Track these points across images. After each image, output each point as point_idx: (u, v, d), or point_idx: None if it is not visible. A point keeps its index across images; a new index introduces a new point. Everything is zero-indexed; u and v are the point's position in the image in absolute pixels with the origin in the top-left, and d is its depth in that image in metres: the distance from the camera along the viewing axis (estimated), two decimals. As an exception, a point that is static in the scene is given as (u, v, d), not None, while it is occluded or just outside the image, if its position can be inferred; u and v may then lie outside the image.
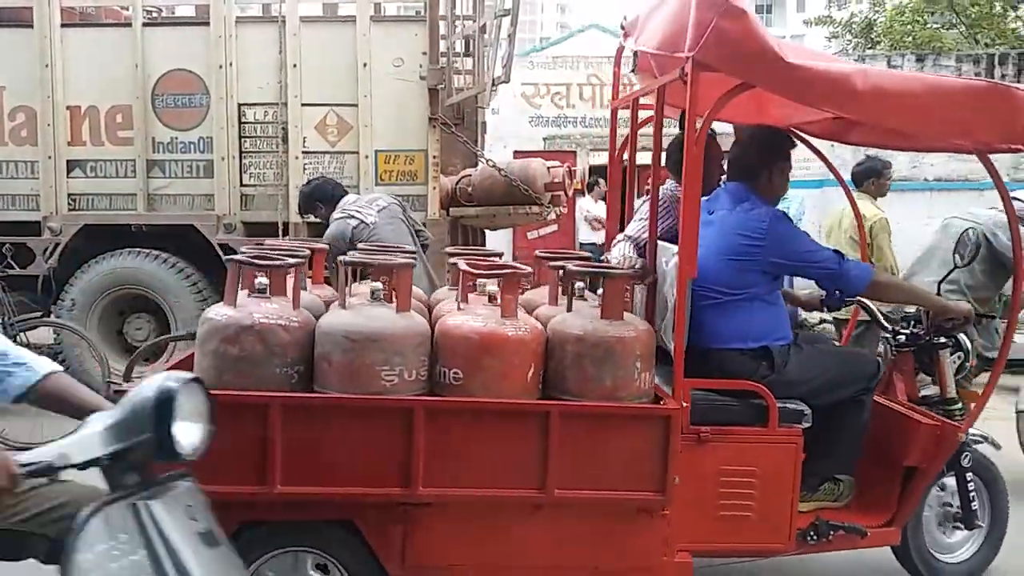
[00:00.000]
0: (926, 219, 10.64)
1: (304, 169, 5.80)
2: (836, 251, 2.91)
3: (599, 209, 11.02)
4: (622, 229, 3.52)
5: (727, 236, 2.86)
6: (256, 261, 2.64)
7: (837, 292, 2.91)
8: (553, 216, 6.64)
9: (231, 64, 5.80)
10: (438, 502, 2.56)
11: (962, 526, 3.38)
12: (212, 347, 2.49)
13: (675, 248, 2.81)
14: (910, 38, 13.30)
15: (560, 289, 2.93)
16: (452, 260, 3.10)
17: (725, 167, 3.33)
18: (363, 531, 2.58)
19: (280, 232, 5.70)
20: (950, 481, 3.34)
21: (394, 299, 2.60)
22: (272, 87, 5.81)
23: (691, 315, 2.69)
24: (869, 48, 14.03)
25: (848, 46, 14.30)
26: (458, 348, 2.53)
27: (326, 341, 2.51)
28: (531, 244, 12.55)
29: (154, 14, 6.47)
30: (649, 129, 3.37)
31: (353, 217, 4.21)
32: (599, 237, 10.97)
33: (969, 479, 3.29)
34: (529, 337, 2.56)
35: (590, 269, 2.78)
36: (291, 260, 2.73)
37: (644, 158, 3.50)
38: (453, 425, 2.52)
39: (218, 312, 2.53)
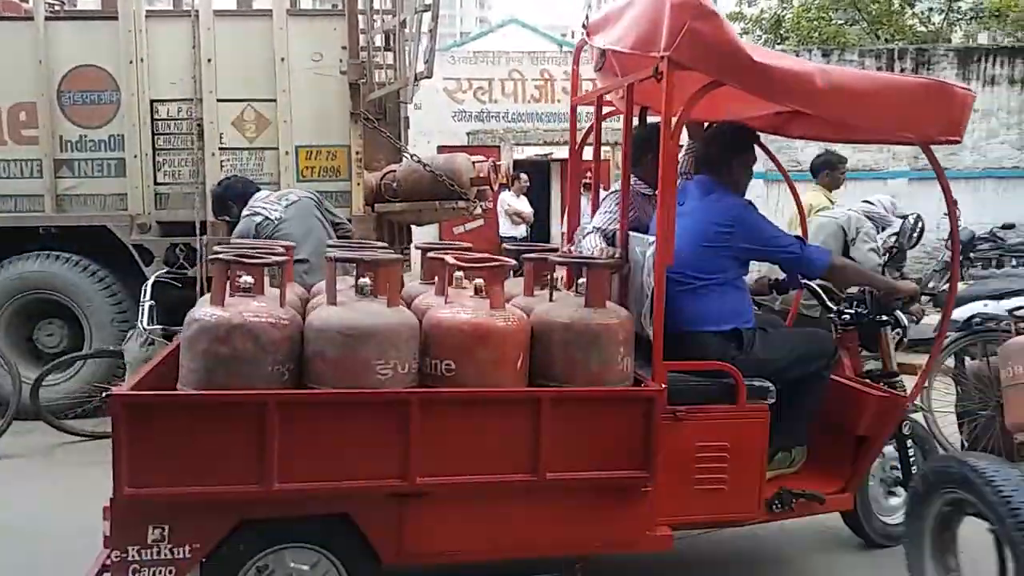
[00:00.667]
0: (836, 206, 11.27)
1: (222, 166, 5.68)
2: (798, 237, 3.12)
3: (520, 204, 11.12)
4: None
5: (700, 225, 3.02)
6: (243, 260, 2.63)
7: (799, 275, 3.11)
8: (479, 211, 6.71)
9: (142, 60, 5.63)
10: (434, 491, 2.62)
11: (902, 490, 3.67)
12: (202, 347, 2.47)
13: (648, 238, 2.95)
14: (816, 34, 14.01)
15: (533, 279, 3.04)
16: (430, 255, 3.15)
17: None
18: (359, 523, 2.62)
19: (197, 231, 5.59)
20: (888, 449, 3.62)
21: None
22: (186, 82, 5.66)
23: (665, 300, 2.82)
24: (778, 43, 14.68)
25: (758, 41, 14.91)
26: (450, 340, 2.60)
27: (319, 337, 2.53)
28: (457, 239, 12.60)
29: (56, 7, 6.20)
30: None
31: (257, 214, 4.17)
32: (519, 231, 11.07)
33: (909, 445, 3.58)
34: (518, 327, 2.65)
35: (574, 260, 2.89)
36: (276, 258, 2.74)
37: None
38: (448, 415, 2.58)
39: (206, 312, 2.51)
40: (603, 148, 3.66)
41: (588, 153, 3.86)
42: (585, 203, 5.27)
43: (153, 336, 4.79)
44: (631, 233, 3.18)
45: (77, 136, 5.75)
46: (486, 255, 2.87)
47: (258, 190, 4.43)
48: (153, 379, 2.67)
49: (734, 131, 3.30)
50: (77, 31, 5.78)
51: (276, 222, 4.12)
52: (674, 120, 2.74)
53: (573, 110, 3.79)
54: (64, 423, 5.31)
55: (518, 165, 13.07)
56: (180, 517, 2.47)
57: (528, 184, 11.28)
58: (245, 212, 4.24)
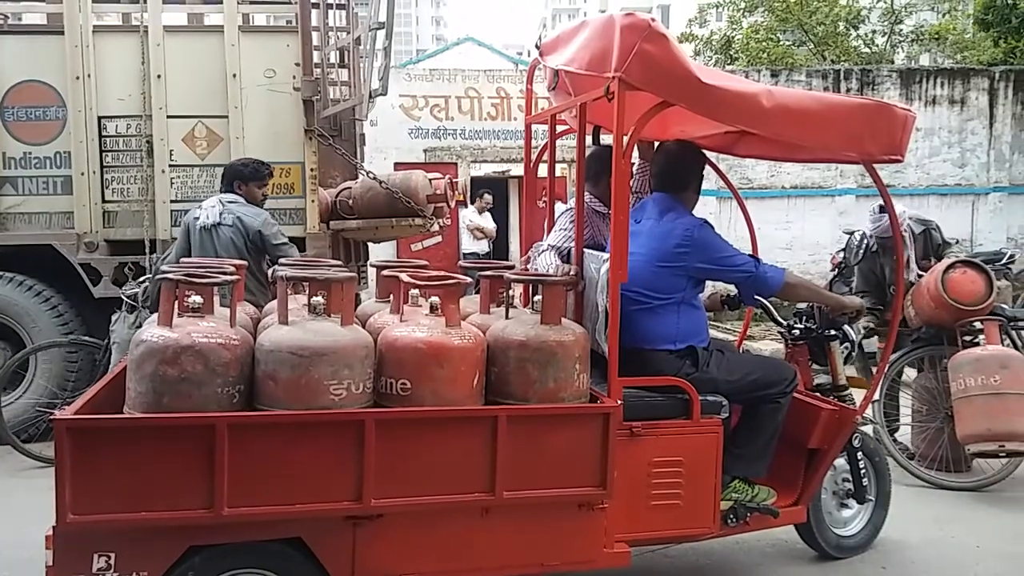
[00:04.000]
0: (785, 223, 11.53)
1: (172, 183, 5.62)
2: (752, 255, 3.17)
3: (482, 219, 11.14)
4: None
5: (658, 243, 3.05)
6: (192, 279, 2.58)
7: (754, 293, 3.16)
8: (436, 228, 6.71)
9: (89, 75, 5.53)
10: (388, 512, 2.59)
11: (854, 502, 3.73)
12: (149, 369, 2.41)
13: (603, 255, 2.97)
14: (765, 54, 14.36)
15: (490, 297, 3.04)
16: (385, 273, 3.14)
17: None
18: (312, 547, 2.57)
19: (147, 250, 5.50)
20: (840, 462, 3.68)
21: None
22: (135, 98, 5.58)
23: (621, 318, 2.84)
24: (728, 64, 15.00)
25: (708, 62, 15.23)
26: (405, 359, 2.58)
27: (271, 358, 2.49)
28: (414, 256, 12.55)
29: (0, 21, 6.07)
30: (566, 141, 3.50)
31: (198, 213, 4.62)
32: (481, 247, 11.08)
33: (859, 458, 3.65)
34: (473, 345, 2.65)
35: (530, 277, 2.90)
36: (226, 277, 2.70)
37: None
38: (403, 435, 2.56)
39: (154, 333, 2.46)
40: (559, 165, 3.69)
41: (544, 170, 3.90)
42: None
43: (141, 318, 4.76)
44: (586, 251, 3.20)
45: (21, 153, 5.62)
46: (442, 273, 2.86)
47: (239, 187, 4.70)
48: (99, 401, 2.60)
49: (695, 151, 3.35)
50: (21, 46, 5.66)
51: (198, 231, 4.57)
52: (626, 139, 2.77)
53: (528, 128, 3.82)
54: (17, 445, 5.15)
55: (475, 182, 13.09)
56: (126, 544, 2.41)
57: (491, 204, 11.31)
58: (201, 204, 4.68)
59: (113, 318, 4.87)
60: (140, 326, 4.79)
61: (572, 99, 3.24)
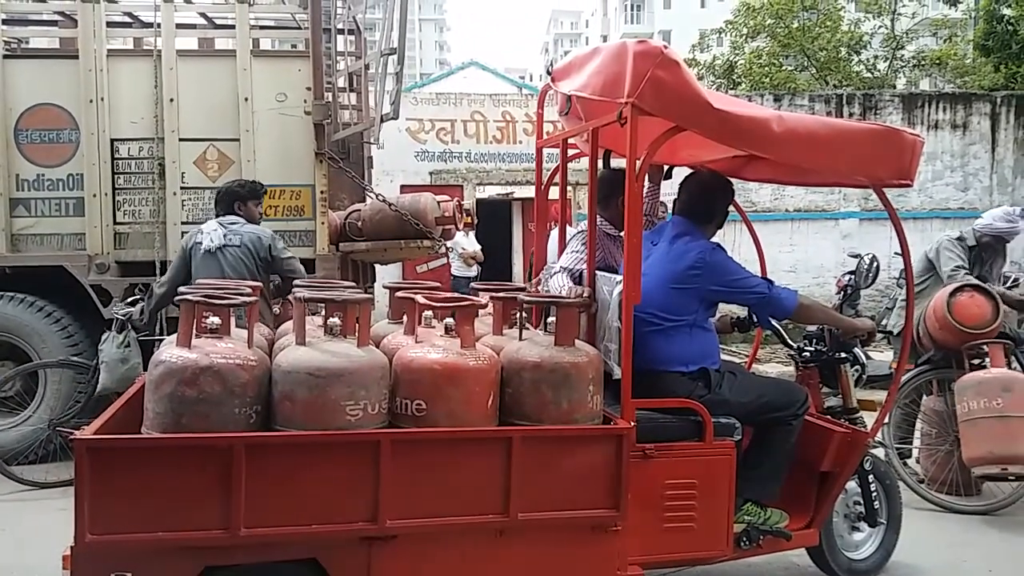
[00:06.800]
0: (789, 246, 11.58)
1: (183, 205, 5.68)
2: (766, 278, 3.19)
3: (472, 243, 11.08)
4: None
5: (671, 265, 3.08)
6: (210, 300, 2.61)
7: (768, 315, 3.19)
8: (444, 250, 6.73)
9: (102, 99, 5.62)
10: (403, 533, 2.60)
11: (865, 525, 3.72)
12: (168, 390, 2.44)
13: (616, 277, 3.00)
14: (767, 79, 14.50)
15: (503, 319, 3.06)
16: (400, 294, 3.16)
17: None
18: (327, 568, 2.57)
19: (157, 271, 5.53)
20: (851, 485, 3.68)
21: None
22: (148, 122, 5.66)
23: (634, 340, 2.86)
24: (731, 88, 15.14)
25: (711, 86, 15.38)
26: (420, 380, 2.60)
27: (288, 379, 2.51)
28: (420, 277, 12.55)
29: (13, 45, 6.14)
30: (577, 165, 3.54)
31: (200, 238, 4.62)
32: (472, 271, 11.01)
33: (871, 480, 3.65)
34: (488, 366, 2.67)
35: (544, 299, 2.92)
36: (245, 299, 2.73)
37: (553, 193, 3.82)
38: (419, 456, 2.57)
39: (173, 354, 2.48)
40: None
41: (553, 193, 3.94)
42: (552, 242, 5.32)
43: (129, 338, 4.77)
44: (598, 273, 3.23)
45: (34, 175, 5.69)
46: (455, 294, 2.89)
47: (239, 208, 4.74)
48: (116, 422, 2.62)
49: (722, 185, 3.38)
50: (36, 69, 5.75)
51: (200, 255, 4.57)
52: (638, 163, 2.81)
53: (539, 152, 3.86)
54: (13, 470, 5.14)
55: (480, 204, 13.12)
56: (143, 564, 2.41)
57: (475, 222, 11.27)
58: (201, 228, 4.70)
59: (102, 338, 4.91)
60: (128, 346, 4.88)
61: (584, 124, 3.28)
